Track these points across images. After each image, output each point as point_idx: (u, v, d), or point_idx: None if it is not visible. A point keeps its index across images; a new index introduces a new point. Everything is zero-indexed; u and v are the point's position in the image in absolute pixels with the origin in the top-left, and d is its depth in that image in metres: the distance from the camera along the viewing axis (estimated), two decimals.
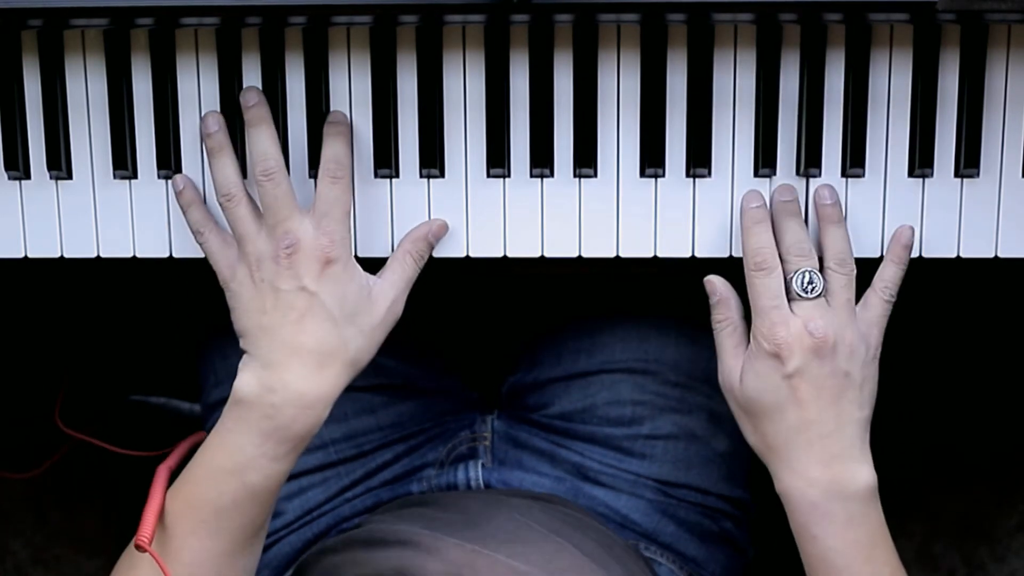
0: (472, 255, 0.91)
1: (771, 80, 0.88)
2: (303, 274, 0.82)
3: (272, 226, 0.83)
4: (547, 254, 0.91)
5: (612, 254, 0.90)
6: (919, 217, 0.90)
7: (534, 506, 0.90)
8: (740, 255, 0.89)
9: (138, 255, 0.91)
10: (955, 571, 1.46)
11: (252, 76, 0.89)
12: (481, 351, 1.18)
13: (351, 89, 0.89)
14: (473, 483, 1.02)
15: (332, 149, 0.86)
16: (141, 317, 1.34)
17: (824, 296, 0.85)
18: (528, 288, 1.09)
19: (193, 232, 0.88)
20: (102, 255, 0.91)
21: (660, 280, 1.02)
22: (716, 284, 0.89)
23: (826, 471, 0.85)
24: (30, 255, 0.91)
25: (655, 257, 0.90)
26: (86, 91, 0.90)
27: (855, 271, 0.86)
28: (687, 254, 0.90)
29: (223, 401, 1.02)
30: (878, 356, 0.87)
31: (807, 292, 0.85)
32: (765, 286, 0.85)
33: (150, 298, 1.31)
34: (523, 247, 0.90)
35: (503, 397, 1.09)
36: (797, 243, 0.86)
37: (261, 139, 0.85)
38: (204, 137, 0.87)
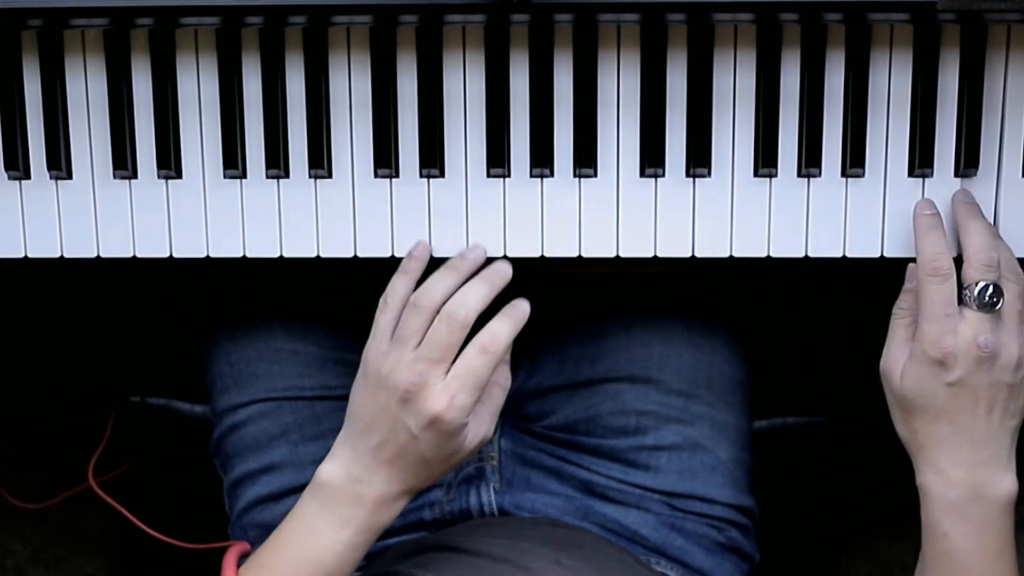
0: None
1: (771, 80, 0.88)
2: (412, 415, 0.84)
3: (419, 357, 0.84)
4: (547, 254, 0.91)
5: (612, 254, 0.90)
6: None
7: (561, 553, 0.90)
8: (740, 255, 0.90)
9: (138, 255, 0.91)
10: None
11: (252, 76, 0.89)
12: None
13: (351, 89, 0.89)
14: (487, 508, 1.02)
15: (499, 325, 0.86)
16: (141, 317, 1.34)
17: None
18: (528, 290, 1.09)
19: (385, 296, 0.88)
20: (102, 255, 0.91)
21: (662, 281, 1.02)
22: (915, 272, 0.86)
23: (971, 475, 0.84)
24: (30, 255, 0.91)
25: (655, 257, 0.90)
26: (86, 91, 0.90)
27: (1023, 277, 0.85)
28: (687, 254, 0.90)
29: (232, 408, 1.03)
30: None
31: (988, 307, 0.83)
32: (940, 292, 0.84)
33: (150, 298, 1.31)
34: (523, 247, 0.90)
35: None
36: (985, 250, 0.84)
37: (479, 291, 0.86)
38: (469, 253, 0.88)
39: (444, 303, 0.85)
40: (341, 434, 0.88)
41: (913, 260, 0.87)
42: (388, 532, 1.02)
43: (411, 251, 0.89)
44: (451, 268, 0.87)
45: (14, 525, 1.50)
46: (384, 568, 0.93)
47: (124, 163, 0.90)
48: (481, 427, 0.88)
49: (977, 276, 0.84)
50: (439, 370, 0.84)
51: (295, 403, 1.01)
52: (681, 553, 1.00)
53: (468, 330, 0.85)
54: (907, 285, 0.87)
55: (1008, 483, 0.85)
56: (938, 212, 0.87)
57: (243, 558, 0.91)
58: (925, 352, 0.84)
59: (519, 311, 0.88)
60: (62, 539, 1.50)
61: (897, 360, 0.87)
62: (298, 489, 0.91)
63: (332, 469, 0.87)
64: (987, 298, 0.83)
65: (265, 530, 0.89)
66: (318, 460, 0.92)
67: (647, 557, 0.99)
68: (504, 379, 0.89)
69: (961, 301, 0.84)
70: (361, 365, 0.87)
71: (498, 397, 0.89)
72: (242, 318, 1.04)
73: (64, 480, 1.46)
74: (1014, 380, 0.84)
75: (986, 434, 0.84)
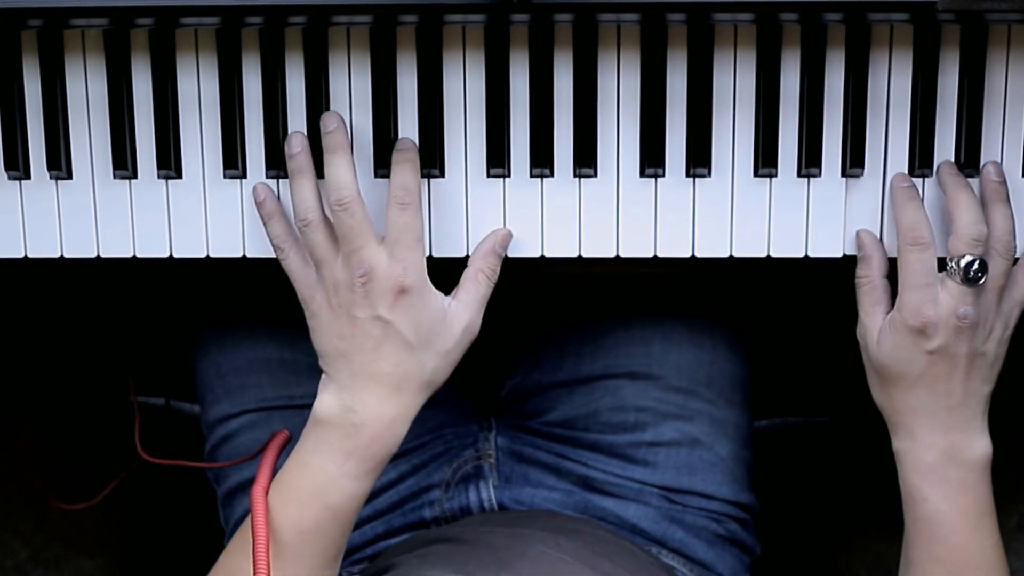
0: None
1: (771, 80, 0.88)
2: (378, 303, 0.83)
3: (347, 254, 0.83)
4: (547, 254, 0.91)
5: (612, 254, 0.90)
6: None
7: (560, 537, 0.90)
8: (740, 255, 0.90)
9: (138, 255, 0.91)
10: None
11: (252, 76, 0.89)
12: (479, 354, 1.18)
13: (351, 89, 0.89)
14: (486, 504, 1.02)
15: (400, 176, 0.86)
16: (142, 317, 1.34)
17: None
18: (527, 289, 1.09)
19: (273, 247, 0.87)
20: (102, 255, 0.91)
21: (662, 281, 1.02)
22: (864, 239, 0.88)
23: (946, 438, 0.86)
24: (30, 255, 0.91)
25: (655, 257, 0.90)
26: (86, 91, 0.90)
27: (1014, 254, 0.86)
28: (687, 254, 0.90)
29: (224, 419, 1.03)
30: (1011, 334, 0.87)
31: (972, 282, 0.83)
32: (921, 261, 0.84)
33: (151, 298, 1.31)
34: (523, 247, 0.90)
35: (502, 401, 1.09)
36: (973, 224, 0.84)
37: (337, 169, 0.85)
38: (287, 157, 0.87)
39: (315, 204, 0.85)
40: (324, 376, 0.86)
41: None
42: (390, 532, 1.02)
43: (256, 199, 0.88)
44: (295, 175, 0.86)
45: (14, 525, 1.50)
46: (385, 563, 0.93)
47: (124, 163, 0.90)
48: (464, 312, 0.86)
49: (964, 250, 0.84)
50: (372, 249, 0.83)
51: (285, 412, 1.01)
52: (682, 545, 1.00)
53: (359, 198, 0.83)
54: (858, 253, 0.88)
55: (983, 444, 0.87)
56: (914, 185, 0.88)
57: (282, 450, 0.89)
58: (905, 321, 0.84)
59: (407, 151, 0.87)
60: (62, 539, 1.50)
61: (870, 327, 0.88)
62: None
63: (326, 402, 0.85)
64: (972, 273, 0.83)
65: None
66: None
67: (649, 548, 0.99)
68: (489, 270, 0.87)
69: (945, 271, 0.84)
70: (308, 319, 0.86)
71: (483, 285, 0.87)
72: (229, 329, 1.04)
73: (67, 479, 1.46)
74: (988, 348, 0.86)
75: (961, 401, 0.86)
